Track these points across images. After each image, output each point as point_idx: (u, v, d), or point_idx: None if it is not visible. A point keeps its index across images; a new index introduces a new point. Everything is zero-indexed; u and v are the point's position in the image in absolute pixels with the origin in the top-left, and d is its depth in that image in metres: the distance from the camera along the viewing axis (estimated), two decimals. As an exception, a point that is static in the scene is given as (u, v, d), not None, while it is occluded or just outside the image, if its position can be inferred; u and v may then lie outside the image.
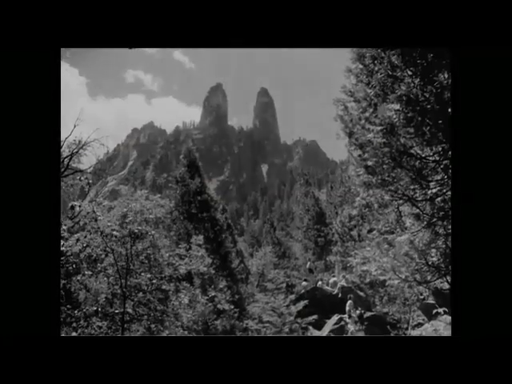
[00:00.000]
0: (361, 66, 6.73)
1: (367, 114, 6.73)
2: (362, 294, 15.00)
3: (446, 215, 6.69)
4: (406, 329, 11.74)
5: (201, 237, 15.67)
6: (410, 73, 6.35)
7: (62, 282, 7.83)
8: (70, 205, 8.55)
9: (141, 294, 8.52)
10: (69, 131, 10.81)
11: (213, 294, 13.61)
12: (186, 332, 10.30)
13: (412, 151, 6.62)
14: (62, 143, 10.72)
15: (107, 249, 8.45)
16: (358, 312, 12.10)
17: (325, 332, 12.20)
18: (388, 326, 11.74)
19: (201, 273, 14.16)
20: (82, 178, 9.86)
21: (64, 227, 8.15)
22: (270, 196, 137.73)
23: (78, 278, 8.22)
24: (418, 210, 7.01)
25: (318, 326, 12.23)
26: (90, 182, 10.01)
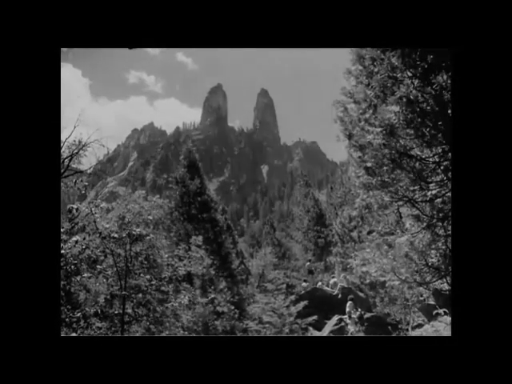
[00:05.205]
0: (360, 68, 6.73)
1: (367, 116, 6.72)
2: (362, 294, 14.98)
3: (446, 216, 6.69)
4: (407, 330, 11.73)
5: (200, 237, 15.63)
6: (409, 74, 6.35)
7: (62, 282, 7.82)
8: (67, 207, 8.54)
9: (140, 295, 8.52)
10: (71, 132, 10.84)
11: (212, 296, 13.60)
12: (186, 333, 10.29)
13: (412, 152, 6.62)
14: (62, 144, 10.73)
15: (106, 250, 8.45)
16: (358, 313, 12.08)
17: (325, 333, 12.18)
18: (389, 327, 11.72)
19: (201, 274, 14.16)
20: (78, 181, 9.79)
21: (62, 229, 8.14)
22: (270, 197, 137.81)
23: (78, 279, 8.22)
24: (417, 212, 7.00)
25: (318, 326, 12.21)
26: (86, 184, 9.96)
